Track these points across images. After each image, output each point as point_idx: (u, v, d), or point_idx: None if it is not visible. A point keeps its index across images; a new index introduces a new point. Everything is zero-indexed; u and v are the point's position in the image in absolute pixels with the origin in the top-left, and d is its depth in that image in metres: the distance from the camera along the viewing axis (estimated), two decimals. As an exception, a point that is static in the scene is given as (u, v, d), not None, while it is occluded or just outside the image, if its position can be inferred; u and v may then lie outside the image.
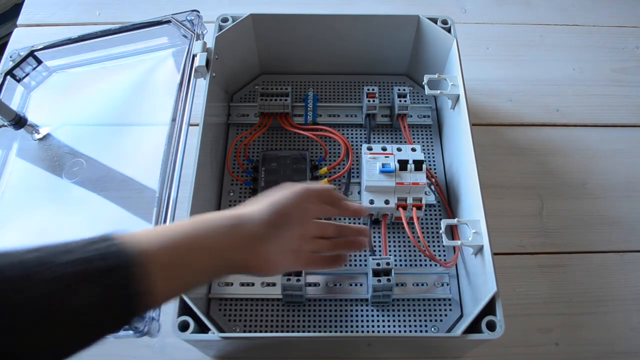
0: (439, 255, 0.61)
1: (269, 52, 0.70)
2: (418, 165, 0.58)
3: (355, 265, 0.60)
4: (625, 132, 0.73)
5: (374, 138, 0.69)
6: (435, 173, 0.66)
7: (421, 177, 0.58)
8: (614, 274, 0.62)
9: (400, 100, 0.66)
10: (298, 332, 0.56)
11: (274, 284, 0.58)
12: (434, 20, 0.64)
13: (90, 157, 0.60)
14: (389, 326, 0.56)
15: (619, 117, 0.75)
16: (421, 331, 0.56)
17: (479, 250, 0.51)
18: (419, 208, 0.58)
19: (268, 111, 0.67)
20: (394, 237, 0.62)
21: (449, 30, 0.63)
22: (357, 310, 0.57)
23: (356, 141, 0.69)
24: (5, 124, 0.61)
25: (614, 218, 0.66)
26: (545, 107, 0.75)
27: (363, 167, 0.60)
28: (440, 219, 0.60)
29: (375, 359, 0.59)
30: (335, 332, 0.56)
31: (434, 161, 0.67)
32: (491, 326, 0.46)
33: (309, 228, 0.46)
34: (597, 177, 0.69)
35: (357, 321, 0.57)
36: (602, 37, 0.82)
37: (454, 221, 0.53)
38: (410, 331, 0.56)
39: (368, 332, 0.56)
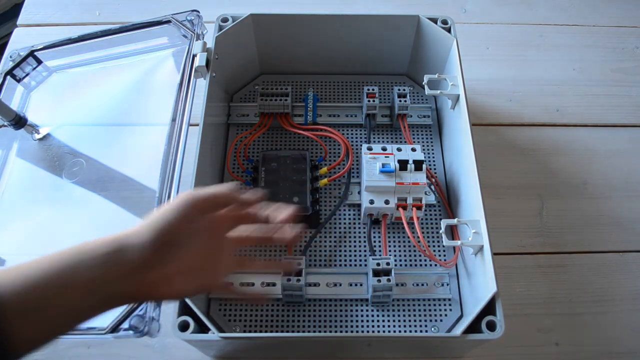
0: (439, 255, 0.61)
1: (269, 52, 0.70)
2: (418, 165, 0.58)
3: (355, 265, 0.60)
4: (625, 132, 0.73)
5: (374, 138, 0.69)
6: (435, 173, 0.66)
7: (421, 177, 0.58)
8: (614, 274, 0.62)
9: (400, 100, 0.66)
10: (298, 332, 0.56)
11: (274, 284, 0.58)
12: (434, 20, 0.64)
13: (90, 157, 0.60)
14: (389, 326, 0.56)
15: (619, 117, 0.75)
16: (421, 331, 0.56)
17: (479, 250, 0.51)
18: (419, 208, 0.58)
19: (268, 111, 0.67)
20: (394, 237, 0.62)
21: (449, 30, 0.63)
22: (357, 310, 0.57)
23: (356, 141, 0.69)
24: (5, 124, 0.61)
25: (614, 218, 0.66)
26: (545, 107, 0.75)
27: (363, 167, 0.60)
28: (440, 219, 0.60)
29: (375, 359, 0.59)
30: (335, 332, 0.56)
31: (434, 161, 0.67)
32: (491, 326, 0.46)
33: (214, 242, 0.41)
34: (597, 177, 0.69)
35: (357, 321, 0.57)
36: (602, 37, 0.82)
37: (454, 221, 0.53)
38: (410, 331, 0.56)
39: (368, 332, 0.56)
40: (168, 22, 0.62)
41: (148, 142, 0.61)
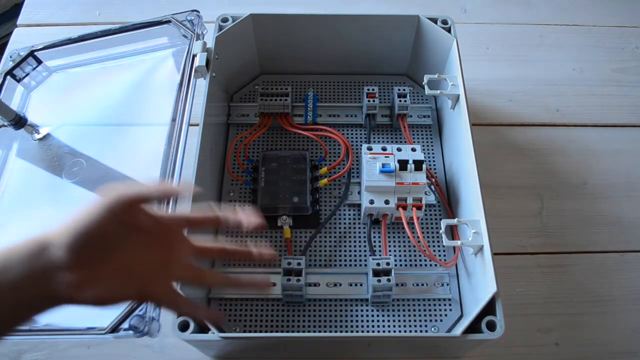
0: (439, 255, 0.61)
1: (269, 52, 0.70)
2: (418, 165, 0.58)
3: (355, 265, 0.60)
4: (625, 132, 0.73)
5: (374, 138, 0.69)
6: (435, 173, 0.66)
7: (421, 177, 0.58)
8: (614, 274, 0.62)
9: (400, 100, 0.66)
10: (298, 332, 0.56)
11: (274, 284, 0.57)
12: (434, 20, 0.64)
13: (90, 157, 0.60)
14: (389, 326, 0.56)
15: (619, 117, 0.75)
16: (421, 331, 0.56)
17: (479, 250, 0.51)
18: (419, 208, 0.58)
19: (268, 111, 0.67)
20: (394, 237, 0.62)
21: (449, 30, 0.63)
22: (357, 310, 0.57)
23: (356, 141, 0.69)
24: (5, 124, 0.61)
25: (614, 218, 0.66)
26: (545, 107, 0.75)
27: (363, 167, 0.60)
28: (440, 219, 0.60)
29: (375, 359, 0.59)
30: (335, 332, 0.56)
31: (434, 161, 0.67)
32: (491, 326, 0.46)
33: (158, 247, 0.38)
34: (597, 177, 0.69)
35: (357, 321, 0.57)
36: (602, 37, 0.82)
37: (454, 221, 0.53)
38: (410, 331, 0.56)
39: (368, 332, 0.56)
40: (168, 22, 0.62)
41: (148, 142, 0.60)
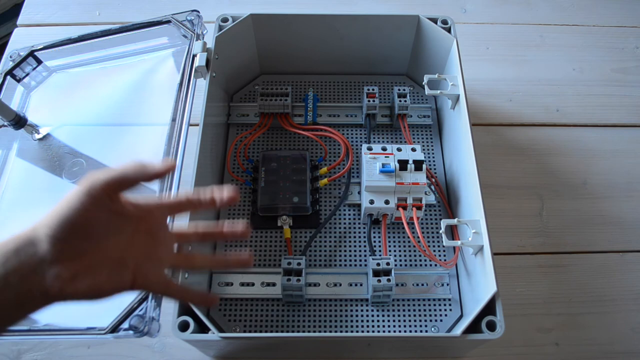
0: (439, 255, 0.61)
1: (269, 52, 0.70)
2: (418, 165, 0.58)
3: (355, 265, 0.60)
4: (625, 132, 0.73)
5: (374, 138, 0.69)
6: (435, 173, 0.66)
7: (421, 177, 0.58)
8: (614, 274, 0.62)
9: (400, 100, 0.66)
10: (298, 332, 0.56)
11: (274, 284, 0.58)
12: (434, 20, 0.64)
13: (90, 157, 0.60)
14: (389, 326, 0.56)
15: (619, 117, 0.75)
16: (421, 331, 0.56)
17: (479, 250, 0.51)
18: (419, 208, 0.58)
19: (268, 111, 0.67)
20: (394, 237, 0.62)
21: (449, 30, 0.63)
22: (357, 310, 0.57)
23: (356, 141, 0.69)
24: (5, 124, 0.61)
25: (614, 218, 0.66)
26: (545, 107, 0.75)
27: (363, 167, 0.60)
28: (440, 219, 0.60)
29: (375, 359, 0.59)
30: (335, 332, 0.56)
31: (434, 161, 0.67)
32: (491, 326, 0.46)
33: (144, 234, 0.37)
34: (597, 177, 0.69)
35: (357, 321, 0.57)
36: (602, 37, 0.82)
37: (454, 221, 0.53)
38: (410, 331, 0.56)
39: (368, 332, 0.56)
40: (168, 22, 0.62)
41: (148, 142, 0.60)
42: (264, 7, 0.82)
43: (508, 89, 0.77)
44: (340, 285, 0.58)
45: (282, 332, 0.56)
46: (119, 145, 0.63)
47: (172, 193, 0.45)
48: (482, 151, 0.67)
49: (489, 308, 0.47)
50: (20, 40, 0.80)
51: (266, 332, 0.56)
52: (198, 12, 0.62)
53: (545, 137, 0.73)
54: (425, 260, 0.60)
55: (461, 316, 0.57)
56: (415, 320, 0.57)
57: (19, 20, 0.83)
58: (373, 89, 0.67)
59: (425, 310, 0.57)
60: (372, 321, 0.57)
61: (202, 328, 0.47)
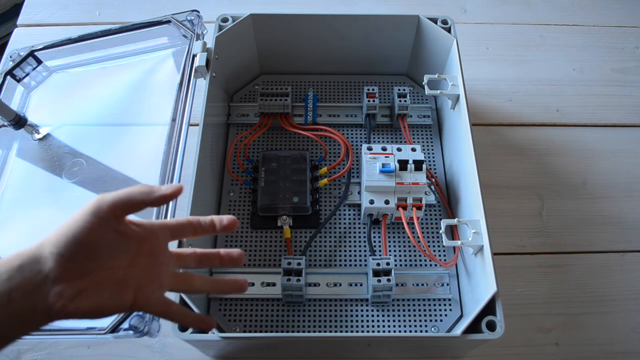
0: (439, 255, 0.61)
1: (269, 52, 0.70)
2: (418, 165, 0.58)
3: (355, 265, 0.60)
4: (625, 132, 0.73)
5: (374, 138, 0.69)
6: (435, 173, 0.66)
7: (421, 177, 0.58)
8: (614, 274, 0.62)
9: (400, 100, 0.66)
10: (298, 332, 0.56)
11: (274, 284, 0.58)
12: (434, 20, 0.64)
13: (90, 157, 0.60)
14: (389, 326, 0.56)
15: (619, 117, 0.75)
16: (421, 331, 0.56)
17: (479, 250, 0.51)
18: (419, 208, 0.58)
19: (268, 111, 0.67)
20: (394, 237, 0.62)
21: (449, 30, 0.63)
22: (357, 310, 0.57)
23: (356, 141, 0.69)
24: (5, 124, 0.61)
25: (614, 218, 0.66)
26: (545, 107, 0.75)
27: (363, 167, 0.60)
28: (440, 219, 0.60)
29: (375, 359, 0.59)
30: (335, 332, 0.56)
31: (434, 161, 0.67)
32: (491, 326, 0.46)
33: (146, 256, 0.38)
34: (597, 177, 0.69)
35: (357, 321, 0.57)
36: (602, 37, 0.82)
37: (454, 221, 0.53)
38: (410, 331, 0.56)
39: (368, 332, 0.56)
40: (168, 22, 0.62)
41: (148, 142, 0.61)
42: (264, 7, 0.82)
43: (508, 89, 0.77)
44: (340, 285, 0.58)
45: (282, 332, 0.56)
46: (119, 145, 0.63)
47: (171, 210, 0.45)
48: (482, 151, 0.67)
49: (489, 308, 0.47)
50: (20, 40, 0.80)
51: (266, 332, 0.56)
52: (198, 12, 0.62)
53: (545, 137, 0.73)
54: (425, 260, 0.60)
55: (461, 316, 0.57)
56: (415, 320, 0.57)
57: (19, 20, 0.83)
58: (373, 89, 0.67)
59: (425, 310, 0.57)
60: (372, 321, 0.57)
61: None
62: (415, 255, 0.61)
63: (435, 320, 0.57)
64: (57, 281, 0.33)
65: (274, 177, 0.63)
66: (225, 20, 0.63)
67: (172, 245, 0.41)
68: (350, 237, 0.62)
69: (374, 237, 0.61)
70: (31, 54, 0.64)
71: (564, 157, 0.71)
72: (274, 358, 0.59)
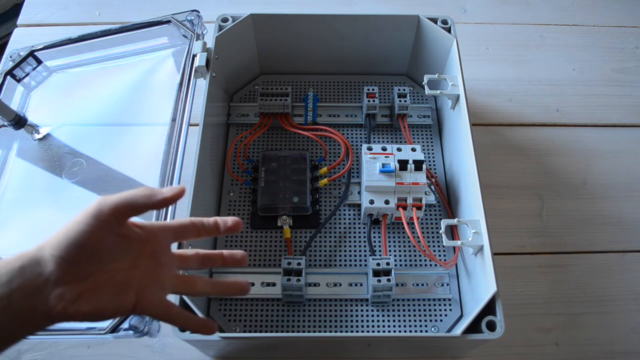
0: (439, 255, 0.61)
1: (269, 52, 0.70)
2: (418, 165, 0.58)
3: (355, 265, 0.60)
4: (625, 132, 0.73)
5: (374, 138, 0.69)
6: (435, 173, 0.66)
7: (421, 177, 0.58)
8: (614, 274, 0.62)
9: (400, 100, 0.66)
10: (298, 332, 0.56)
11: (274, 284, 0.58)
12: (434, 20, 0.64)
13: (90, 157, 0.60)
14: (388, 326, 0.56)
15: (619, 117, 0.75)
16: (421, 331, 0.56)
17: (479, 250, 0.51)
18: (419, 208, 0.58)
19: (268, 111, 0.67)
20: (394, 237, 0.62)
21: (449, 30, 0.63)
22: (357, 310, 0.57)
23: (356, 141, 0.69)
24: (5, 124, 0.61)
25: (614, 218, 0.66)
26: (545, 107, 0.75)
27: (363, 167, 0.60)
28: (440, 219, 0.60)
29: (375, 359, 0.59)
30: (335, 332, 0.56)
31: (434, 161, 0.67)
32: (491, 326, 0.46)
33: (147, 258, 0.37)
34: (597, 177, 0.69)
35: (357, 321, 0.57)
36: (602, 37, 0.82)
37: (454, 221, 0.53)
38: (410, 331, 0.56)
39: (368, 332, 0.56)
40: (168, 22, 0.62)
41: (148, 142, 0.61)
42: (264, 7, 0.82)
43: (508, 89, 0.77)
44: (340, 285, 0.58)
45: (282, 332, 0.56)
46: (119, 145, 0.63)
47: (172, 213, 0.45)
48: (482, 151, 0.67)
49: (489, 308, 0.47)
50: (20, 40, 0.80)
51: (266, 332, 0.56)
52: (198, 12, 0.62)
53: (545, 137, 0.73)
54: (425, 260, 0.60)
55: (461, 316, 0.57)
56: (415, 320, 0.57)
57: (19, 20, 0.83)
58: (373, 89, 0.67)
59: (425, 310, 0.57)
60: (372, 321, 0.57)
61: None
62: (415, 255, 0.61)
63: (435, 320, 0.57)
64: (58, 284, 0.33)
65: (274, 177, 0.63)
66: (225, 20, 0.63)
67: (173, 247, 0.41)
68: (350, 237, 0.62)
69: (374, 237, 0.61)
70: (31, 54, 0.64)
71: (564, 157, 0.71)
72: (274, 358, 0.59)
